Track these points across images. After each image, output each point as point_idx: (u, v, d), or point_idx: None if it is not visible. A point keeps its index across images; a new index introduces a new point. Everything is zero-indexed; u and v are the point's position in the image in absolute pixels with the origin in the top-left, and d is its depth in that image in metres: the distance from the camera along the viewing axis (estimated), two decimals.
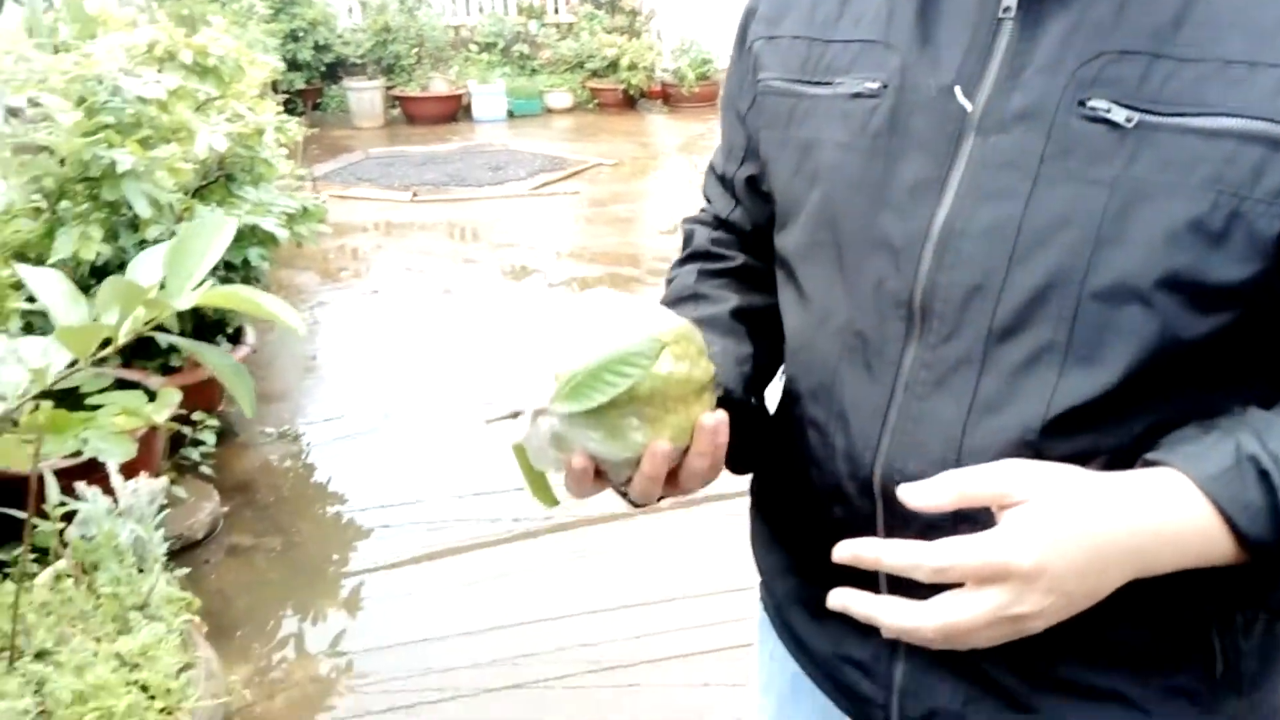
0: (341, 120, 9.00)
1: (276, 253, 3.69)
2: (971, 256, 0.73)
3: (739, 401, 0.87)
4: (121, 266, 2.91)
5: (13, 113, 3.25)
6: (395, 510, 3.06)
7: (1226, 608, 0.75)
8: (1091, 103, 0.70)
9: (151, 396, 2.97)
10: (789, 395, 0.88)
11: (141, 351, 3.11)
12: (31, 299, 2.75)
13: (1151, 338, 0.69)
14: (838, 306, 0.81)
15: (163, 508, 2.24)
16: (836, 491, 0.81)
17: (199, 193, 3.43)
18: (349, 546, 2.90)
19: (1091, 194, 0.69)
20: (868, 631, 0.74)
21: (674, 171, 7.57)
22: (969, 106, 0.74)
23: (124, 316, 0.67)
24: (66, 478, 2.12)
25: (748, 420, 0.89)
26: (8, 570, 2.10)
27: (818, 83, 0.84)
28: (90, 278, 2.81)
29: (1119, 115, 0.69)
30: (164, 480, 2.31)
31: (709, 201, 1.04)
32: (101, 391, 3.02)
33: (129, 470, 2.22)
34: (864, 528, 0.78)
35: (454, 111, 9.09)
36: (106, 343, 0.77)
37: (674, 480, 0.76)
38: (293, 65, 8.28)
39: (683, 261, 1.02)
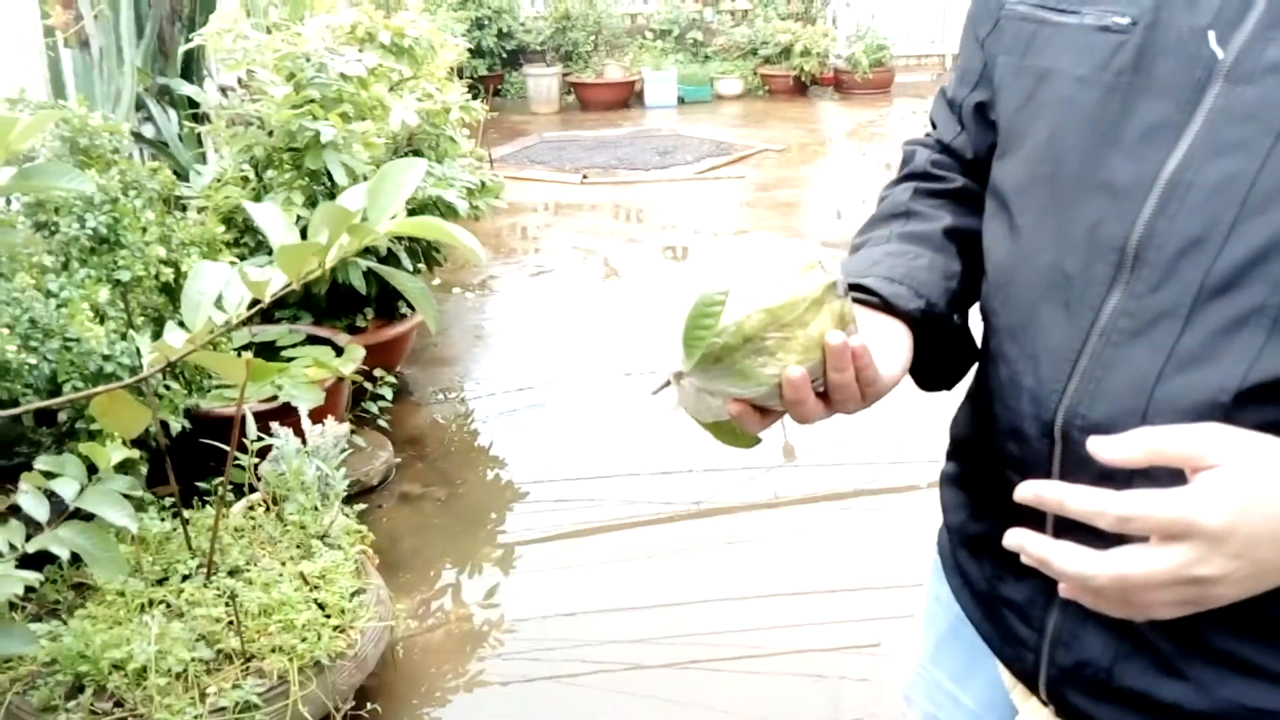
0: (519, 106, 9.32)
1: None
2: (1197, 207, 0.70)
3: (942, 317, 0.87)
4: None
5: (223, 91, 3.57)
6: (551, 484, 3.18)
7: None
8: None
9: (339, 352, 3.20)
10: (985, 328, 0.88)
11: (332, 312, 3.36)
12: (240, 256, 3.02)
13: None
14: (1047, 244, 0.79)
15: (344, 452, 2.43)
16: (1017, 430, 0.80)
17: None
18: (506, 507, 3.05)
19: None
20: (1026, 573, 0.74)
21: (841, 158, 7.48)
22: (1220, 53, 0.70)
23: (333, 239, 0.77)
24: (263, 420, 2.33)
25: (950, 337, 0.90)
26: (208, 498, 2.34)
27: (1064, 10, 0.80)
28: None
29: None
30: (346, 427, 2.51)
31: (934, 126, 1.01)
32: (296, 345, 3.29)
33: (316, 416, 2.43)
34: (1039, 469, 0.77)
35: (626, 97, 9.27)
36: (306, 290, 0.89)
37: (828, 398, 0.75)
38: (476, 52, 8.63)
39: (898, 181, 1.00)
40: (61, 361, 2.01)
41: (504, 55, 9.23)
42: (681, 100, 9.22)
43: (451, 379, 3.90)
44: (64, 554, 1.11)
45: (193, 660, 1.77)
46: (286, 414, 2.48)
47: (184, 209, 3.10)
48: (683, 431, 3.43)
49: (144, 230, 2.35)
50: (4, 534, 1.14)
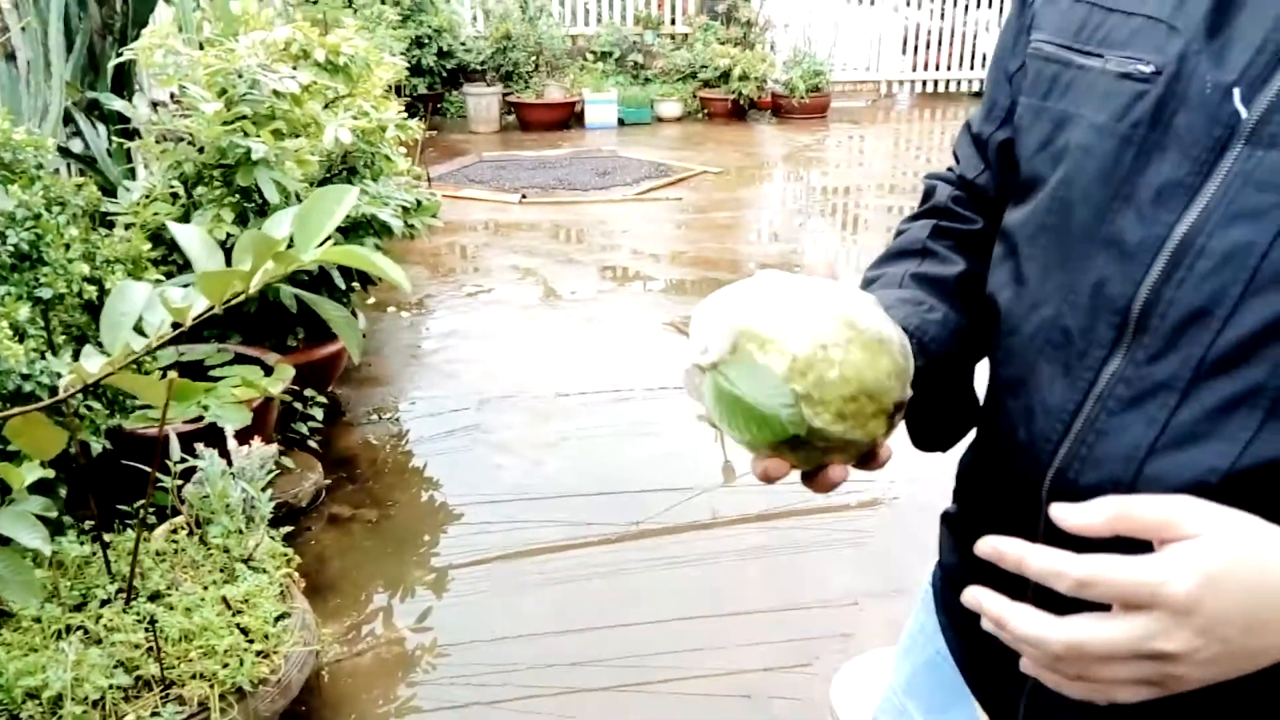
0: (459, 125, 9.30)
1: (390, 247, 3.87)
2: (1204, 277, 0.67)
3: (946, 376, 0.86)
4: None
5: (154, 106, 3.51)
6: (486, 506, 3.17)
7: None
8: None
9: (269, 371, 3.16)
10: (990, 373, 0.86)
11: (262, 330, 3.32)
12: (168, 274, 2.97)
13: None
14: (1050, 297, 0.77)
15: (271, 474, 2.40)
16: (1008, 485, 0.78)
17: (323, 184, 3.64)
18: (440, 529, 3.03)
19: None
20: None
21: (778, 181, 7.60)
22: (1244, 113, 0.66)
23: (257, 266, 0.77)
24: (189, 441, 2.30)
25: (952, 397, 0.88)
26: (129, 521, 2.29)
27: (1089, 53, 0.77)
28: None
29: None
30: (274, 448, 2.48)
31: (957, 160, 0.98)
32: (224, 365, 3.24)
33: (244, 437, 2.40)
34: (1024, 526, 0.74)
35: (566, 118, 9.30)
36: (236, 304, 0.88)
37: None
38: (416, 71, 8.60)
39: (917, 215, 0.98)
40: None
41: (444, 74, 9.21)
42: (622, 122, 9.29)
43: (385, 399, 3.87)
44: None
45: (110, 688, 1.73)
46: (213, 435, 2.44)
47: (111, 225, 3.04)
48: (620, 451, 3.46)
49: (67, 247, 2.30)
50: None
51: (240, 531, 2.20)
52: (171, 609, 1.93)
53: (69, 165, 3.44)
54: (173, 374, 1.60)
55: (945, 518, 0.97)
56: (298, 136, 3.30)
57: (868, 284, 0.94)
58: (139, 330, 0.94)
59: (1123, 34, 0.74)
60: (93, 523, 2.04)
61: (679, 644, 2.52)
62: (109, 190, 3.31)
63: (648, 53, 9.77)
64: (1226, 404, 0.65)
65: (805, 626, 2.57)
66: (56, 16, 3.39)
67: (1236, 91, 0.67)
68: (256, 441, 2.42)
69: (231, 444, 2.37)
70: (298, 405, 3.09)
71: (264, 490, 2.31)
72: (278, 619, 1.99)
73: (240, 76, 3.13)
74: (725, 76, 9.48)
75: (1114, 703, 0.62)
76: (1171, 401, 0.68)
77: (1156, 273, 0.69)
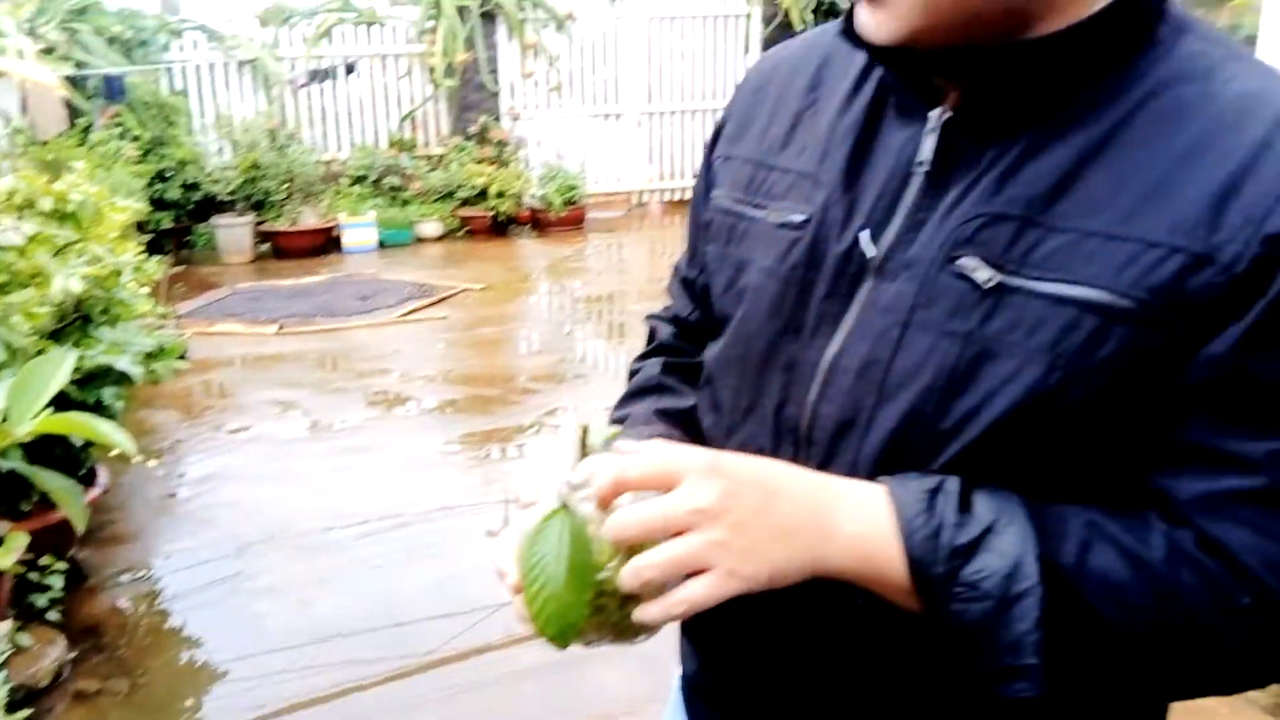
0: (209, 257, 8.99)
1: (136, 394, 3.69)
2: (846, 392, 0.79)
3: None
4: None
5: None
6: (257, 658, 3.03)
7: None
8: (960, 260, 0.74)
9: None
10: None
11: None
12: None
13: (995, 481, 0.73)
14: (742, 422, 0.87)
15: (4, 654, 2.22)
16: None
17: (56, 335, 3.45)
18: (203, 691, 2.86)
19: (946, 345, 0.74)
20: None
21: (541, 293, 7.80)
22: (871, 251, 0.79)
23: None
24: None
25: None
26: None
27: (756, 205, 0.89)
28: None
29: (982, 275, 0.73)
30: (7, 625, 2.30)
31: (673, 300, 1.09)
32: None
33: None
34: (747, 625, 0.83)
35: (324, 244, 9.19)
36: None
37: None
38: (160, 204, 8.29)
39: (647, 355, 1.07)
40: None
41: (191, 206, 8.92)
42: (382, 244, 9.27)
43: (134, 557, 3.63)
44: None
45: None
46: None
47: None
48: (398, 580, 3.39)
49: None
50: None
51: None
52: None
53: None
54: None
55: (681, 625, 1.02)
56: (25, 288, 3.13)
57: (617, 424, 1.01)
58: None
59: (781, 188, 0.87)
60: None
61: None
62: None
63: (404, 175, 9.86)
64: None
65: None
66: None
67: (865, 234, 0.80)
68: None
69: None
70: (34, 575, 2.87)
71: None
72: None
73: None
74: (483, 194, 9.69)
75: (694, 608, 0.69)
76: None
77: (814, 393, 0.81)
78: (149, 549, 3.71)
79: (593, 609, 0.71)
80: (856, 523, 0.72)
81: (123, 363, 3.27)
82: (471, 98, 10.14)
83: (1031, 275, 0.72)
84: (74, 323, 3.54)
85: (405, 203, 9.73)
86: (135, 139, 8.15)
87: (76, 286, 3.29)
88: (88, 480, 3.52)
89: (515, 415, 5.04)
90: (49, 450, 3.11)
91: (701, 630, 0.97)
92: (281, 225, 9.03)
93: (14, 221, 3.26)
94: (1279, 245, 0.67)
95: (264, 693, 2.83)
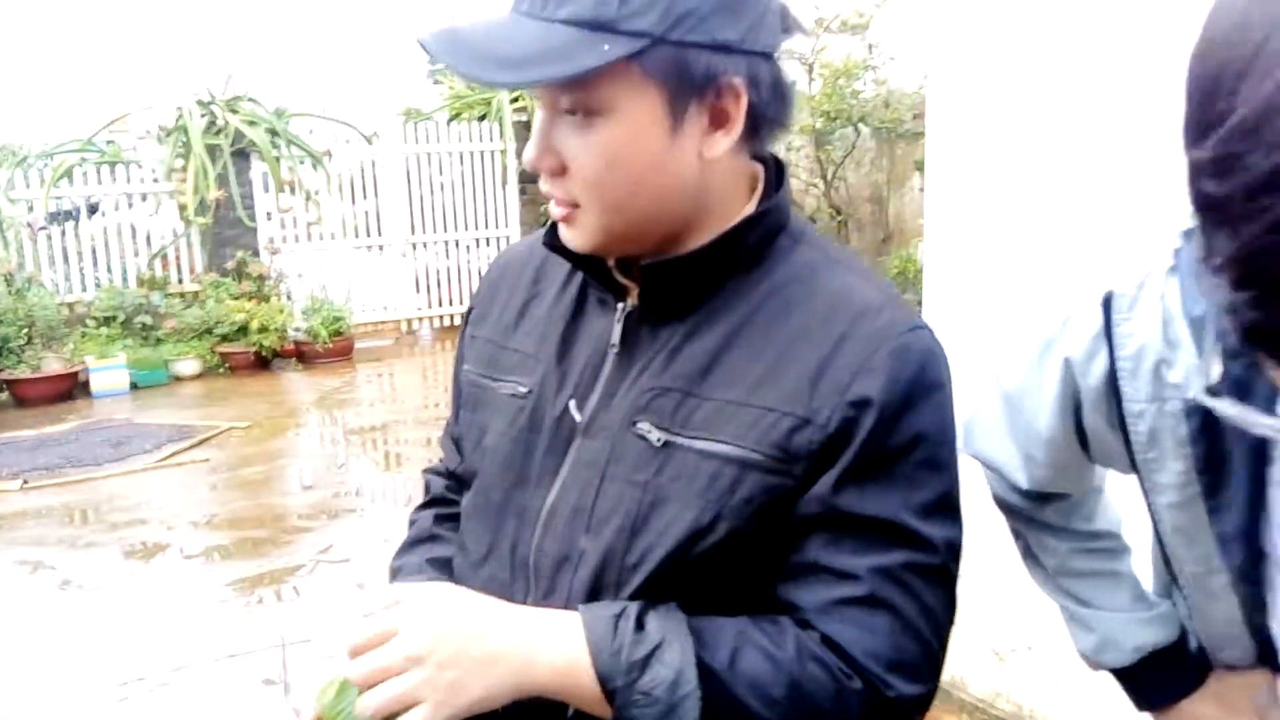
0: None
1: None
2: (561, 533, 0.95)
3: None
4: None
5: None
6: None
7: None
8: (639, 424, 0.92)
9: None
10: None
11: None
12: None
13: (672, 600, 0.89)
14: (483, 560, 1.01)
15: None
16: None
17: None
18: None
19: (631, 493, 0.91)
20: None
21: (310, 427, 7.70)
22: (578, 416, 0.97)
23: None
24: None
25: None
26: None
27: (493, 378, 1.06)
28: None
29: (655, 436, 0.91)
30: None
31: (445, 455, 1.21)
32: None
33: None
34: None
35: (70, 389, 8.69)
36: None
37: None
38: None
39: (423, 506, 1.21)
40: None
41: None
42: (135, 386, 8.87)
43: None
44: None
45: None
46: None
47: None
48: None
49: None
50: None
51: None
52: None
53: None
54: None
55: None
56: None
57: (394, 574, 1.14)
58: None
59: (511, 364, 1.05)
60: None
61: None
62: None
63: (156, 313, 9.51)
64: None
65: None
66: None
67: (572, 402, 0.98)
68: None
69: None
70: None
71: None
72: None
73: None
74: (244, 330, 9.49)
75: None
76: None
77: (539, 534, 0.97)
78: None
79: None
80: (555, 647, 0.86)
81: None
82: (227, 233, 10.00)
83: (689, 435, 0.90)
84: None
85: (159, 341, 9.38)
86: None
87: None
88: None
89: (287, 556, 4.98)
90: None
91: None
92: (21, 372, 8.48)
93: None
94: (856, 408, 0.87)
95: None
